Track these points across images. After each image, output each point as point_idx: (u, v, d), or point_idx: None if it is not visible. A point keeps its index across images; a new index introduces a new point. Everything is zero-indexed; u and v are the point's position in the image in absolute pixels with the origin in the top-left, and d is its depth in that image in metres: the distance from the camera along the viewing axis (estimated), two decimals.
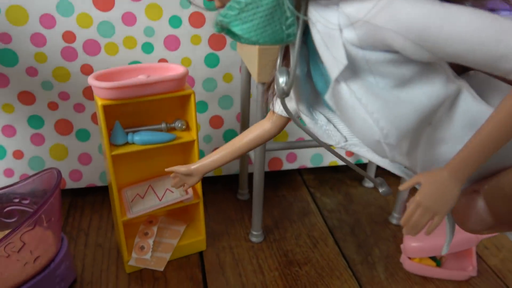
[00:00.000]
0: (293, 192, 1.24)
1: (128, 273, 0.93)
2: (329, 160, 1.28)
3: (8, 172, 1.09)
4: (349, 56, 0.45)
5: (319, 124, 0.58)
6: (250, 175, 1.21)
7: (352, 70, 0.47)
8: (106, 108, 0.80)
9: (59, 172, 0.82)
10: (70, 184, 1.14)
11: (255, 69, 0.84)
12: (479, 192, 0.50)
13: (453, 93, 0.49)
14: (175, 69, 0.86)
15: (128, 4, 0.97)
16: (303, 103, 0.57)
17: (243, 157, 1.16)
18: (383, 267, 0.98)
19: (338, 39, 0.44)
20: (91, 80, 0.78)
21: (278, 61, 0.55)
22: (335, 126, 0.58)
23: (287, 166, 1.26)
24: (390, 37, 0.42)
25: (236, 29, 0.47)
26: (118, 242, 0.97)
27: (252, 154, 1.01)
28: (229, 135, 1.18)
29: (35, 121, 1.06)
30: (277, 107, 0.67)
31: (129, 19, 0.99)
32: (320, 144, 0.57)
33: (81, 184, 1.15)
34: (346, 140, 0.57)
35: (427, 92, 0.47)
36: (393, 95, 0.47)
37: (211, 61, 1.08)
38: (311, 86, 0.57)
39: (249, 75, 1.06)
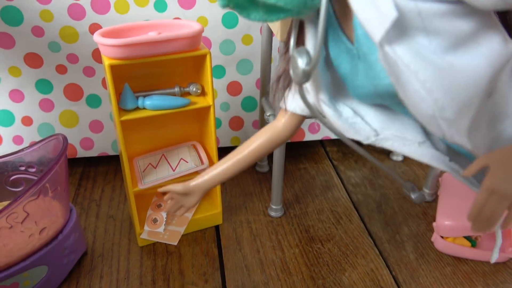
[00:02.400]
0: (315, 164, 1.16)
1: (140, 247, 0.89)
2: None
3: (17, 140, 1.05)
4: (397, 8, 0.37)
5: (344, 117, 0.50)
6: None
7: (400, 28, 0.39)
8: (114, 68, 0.73)
9: (65, 138, 0.77)
10: (81, 153, 1.09)
11: (277, 25, 0.75)
12: None
13: (511, 55, 0.41)
14: (189, 26, 0.77)
15: None
16: (324, 92, 0.49)
17: (262, 124, 1.08)
18: (413, 246, 0.90)
19: None
20: (97, 37, 0.71)
21: (292, 41, 0.47)
22: (362, 119, 0.50)
23: (309, 136, 1.18)
24: None
25: None
26: (131, 215, 0.92)
27: None
28: (248, 103, 1.11)
29: (44, 85, 1.00)
30: (290, 103, 0.57)
31: None
32: (345, 141, 0.50)
33: (93, 152, 1.09)
34: (377, 134, 0.50)
35: (485, 54, 0.39)
36: (447, 60, 0.39)
37: (230, 20, 0.99)
38: (332, 73, 0.50)
39: (270, 37, 0.97)
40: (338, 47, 0.48)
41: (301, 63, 0.43)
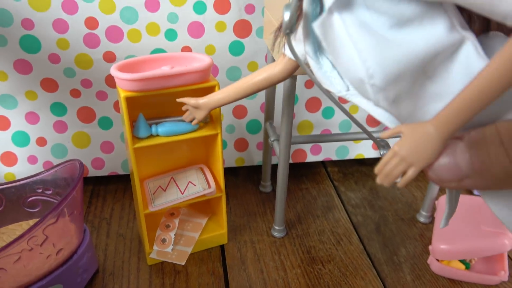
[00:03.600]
0: (317, 185, 1.21)
1: (149, 265, 0.93)
2: (355, 153, 1.24)
3: (32, 159, 1.09)
4: None
5: (323, 70, 0.56)
6: (274, 166, 1.19)
7: (348, 2, 0.45)
8: (128, 99, 0.78)
9: (81, 164, 0.81)
10: (92, 172, 1.14)
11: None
12: (461, 138, 0.47)
13: (454, 43, 0.46)
14: (200, 60, 0.82)
15: None
16: (310, 45, 0.55)
17: (266, 148, 1.13)
18: (409, 268, 0.95)
19: None
20: (113, 71, 0.76)
21: None
22: (339, 74, 0.56)
23: (311, 158, 1.22)
24: None
25: None
26: (140, 234, 0.96)
27: (276, 147, 0.98)
28: (253, 126, 1.15)
29: (58, 108, 1.05)
30: (287, 50, 0.65)
31: (152, 4, 0.96)
32: (321, 90, 0.55)
33: (103, 172, 1.14)
34: (348, 90, 0.55)
35: (425, 36, 0.44)
36: (387, 35, 0.44)
37: (236, 49, 1.04)
38: None
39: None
40: None
41: (286, 16, 0.50)
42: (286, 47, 0.65)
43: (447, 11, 0.45)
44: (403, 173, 0.49)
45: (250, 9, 1.00)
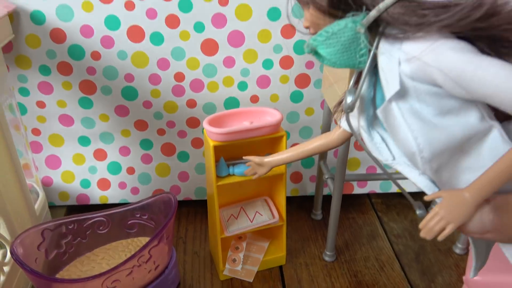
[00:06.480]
0: (362, 215, 1.36)
1: (221, 281, 1.11)
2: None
3: (122, 185, 1.31)
4: (402, 84, 0.58)
5: (374, 141, 0.70)
6: (324, 197, 1.35)
7: (403, 95, 0.60)
8: (215, 147, 0.97)
9: (175, 197, 1.01)
10: None
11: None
12: (489, 201, 0.61)
13: (484, 130, 0.61)
14: (272, 114, 1.00)
15: (230, 50, 1.13)
16: (364, 121, 0.70)
17: (319, 180, 1.29)
18: None
19: (396, 70, 0.58)
20: (206, 126, 0.95)
21: (351, 83, 0.68)
22: (387, 145, 0.70)
23: (357, 190, 1.38)
24: (435, 73, 0.55)
25: (321, 51, 0.62)
26: (214, 254, 1.15)
27: (330, 184, 1.15)
28: (307, 161, 1.32)
29: (146, 144, 1.26)
30: (343, 122, 0.80)
31: (229, 62, 1.15)
32: (370, 156, 0.69)
33: (179, 197, 1.34)
34: (394, 159, 0.69)
35: (461, 124, 0.60)
36: (433, 121, 0.59)
37: (296, 97, 1.22)
38: (374, 109, 0.70)
39: (330, 111, 1.19)
40: (379, 94, 0.66)
41: (348, 99, 0.64)
42: (343, 120, 0.79)
43: (478, 105, 0.61)
44: (443, 229, 0.64)
45: (310, 64, 1.17)
